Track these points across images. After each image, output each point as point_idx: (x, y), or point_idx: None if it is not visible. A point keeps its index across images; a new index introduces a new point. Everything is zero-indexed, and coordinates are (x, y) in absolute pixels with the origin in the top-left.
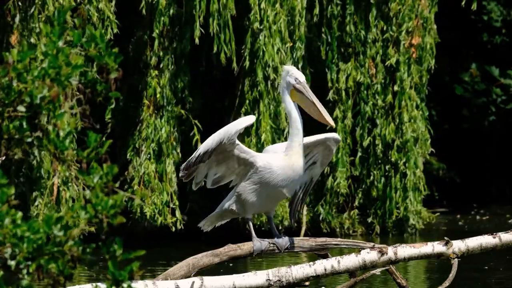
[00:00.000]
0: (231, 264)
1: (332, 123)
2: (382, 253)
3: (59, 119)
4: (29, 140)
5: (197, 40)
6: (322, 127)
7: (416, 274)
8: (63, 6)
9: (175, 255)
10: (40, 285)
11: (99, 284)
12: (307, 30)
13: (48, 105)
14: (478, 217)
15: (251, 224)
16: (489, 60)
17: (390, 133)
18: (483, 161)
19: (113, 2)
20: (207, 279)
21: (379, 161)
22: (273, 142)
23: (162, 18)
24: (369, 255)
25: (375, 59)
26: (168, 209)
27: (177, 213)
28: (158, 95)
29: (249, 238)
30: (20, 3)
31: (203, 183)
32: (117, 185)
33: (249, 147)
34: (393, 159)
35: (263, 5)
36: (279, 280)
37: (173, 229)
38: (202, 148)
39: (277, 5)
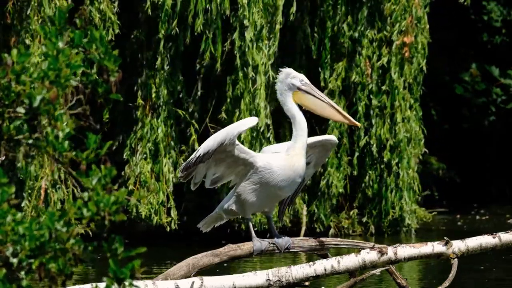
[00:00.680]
0: (225, 264)
1: (357, 122)
2: (382, 253)
3: (58, 121)
4: (30, 141)
5: (187, 40)
6: (316, 128)
7: (416, 274)
8: (59, 7)
9: (170, 254)
10: (40, 285)
11: (98, 284)
12: (302, 32)
13: (47, 106)
14: (478, 217)
15: (250, 224)
16: (489, 60)
17: (384, 133)
18: (483, 161)
19: (116, 3)
20: (207, 279)
21: (375, 161)
22: (251, 140)
23: (159, 19)
24: (369, 255)
25: (371, 59)
26: (164, 209)
27: (172, 212)
28: (153, 95)
29: (246, 238)
30: (18, 4)
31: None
32: (115, 187)
33: None
34: (386, 159)
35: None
36: (279, 280)
37: (168, 229)
38: (202, 148)
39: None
